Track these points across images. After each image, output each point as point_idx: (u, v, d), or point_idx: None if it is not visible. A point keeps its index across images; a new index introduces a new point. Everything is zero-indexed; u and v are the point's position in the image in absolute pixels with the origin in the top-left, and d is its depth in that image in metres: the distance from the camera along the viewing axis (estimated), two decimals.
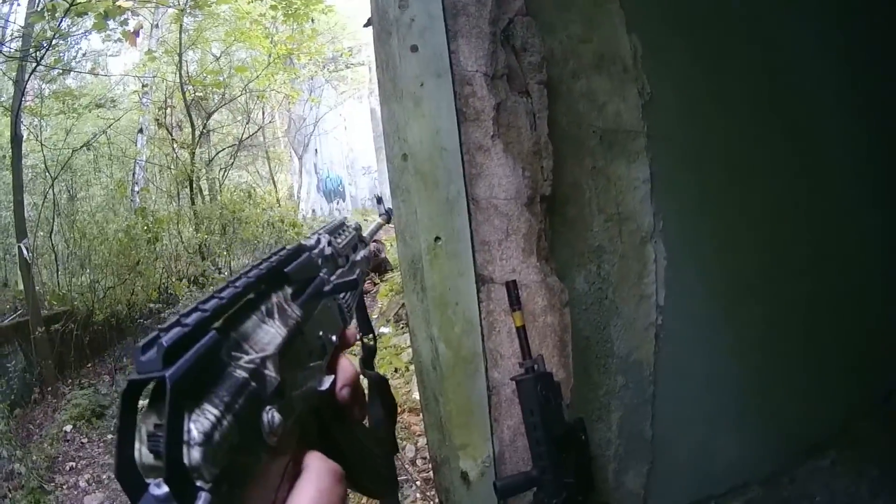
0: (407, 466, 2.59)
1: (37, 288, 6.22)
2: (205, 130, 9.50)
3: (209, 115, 9.54)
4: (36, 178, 7.66)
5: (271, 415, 0.36)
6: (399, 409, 3.23)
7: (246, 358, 0.36)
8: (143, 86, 8.97)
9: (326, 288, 0.57)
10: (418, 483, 2.32)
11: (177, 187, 8.86)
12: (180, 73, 8.42)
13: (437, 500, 1.82)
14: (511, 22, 1.69)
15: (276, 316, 0.44)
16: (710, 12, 2.04)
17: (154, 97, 9.18)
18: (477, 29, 1.63)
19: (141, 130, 9.19)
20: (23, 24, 6.36)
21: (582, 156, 1.86)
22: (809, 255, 2.22)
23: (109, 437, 4.73)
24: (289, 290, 0.49)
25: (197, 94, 9.05)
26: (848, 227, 2.29)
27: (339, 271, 0.67)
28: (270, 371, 0.38)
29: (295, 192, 14.49)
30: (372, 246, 0.85)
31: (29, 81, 6.66)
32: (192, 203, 8.61)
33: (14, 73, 6.34)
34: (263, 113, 11.89)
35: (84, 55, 8.10)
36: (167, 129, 8.83)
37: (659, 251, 1.94)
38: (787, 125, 2.17)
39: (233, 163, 10.53)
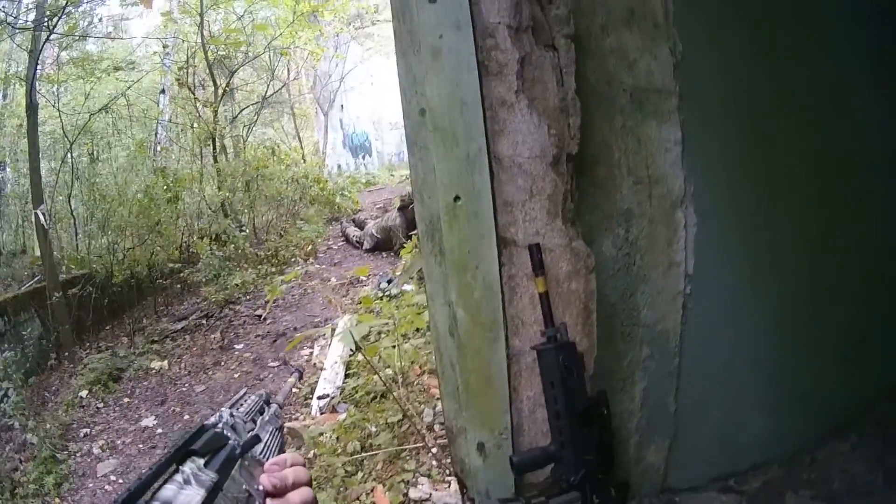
0: (424, 432, 2.55)
1: (55, 253, 6.37)
2: (228, 88, 9.51)
3: (232, 74, 9.53)
4: (55, 144, 7.78)
5: None
6: (419, 371, 3.20)
7: None
8: (164, 47, 8.99)
9: (238, 451, 0.70)
10: (434, 451, 2.27)
11: (199, 146, 8.88)
12: (202, 33, 8.36)
13: (452, 471, 1.77)
14: None
15: (193, 482, 0.57)
16: None
17: (176, 58, 9.19)
18: None
19: (163, 91, 9.30)
20: None
21: (612, 115, 1.76)
22: (848, 228, 2.10)
23: (126, 400, 4.76)
24: (201, 461, 0.62)
25: (220, 52, 8.99)
26: (889, 200, 2.16)
27: (249, 434, 0.78)
28: None
29: (320, 149, 14.49)
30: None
31: (47, 50, 6.65)
32: (215, 161, 8.63)
33: (28, 44, 6.38)
34: (288, 70, 11.85)
35: (100, 20, 8.14)
36: (189, 89, 8.84)
37: (689, 217, 1.84)
38: (830, 85, 2.03)
39: (256, 119, 10.57)
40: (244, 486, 0.66)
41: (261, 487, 0.69)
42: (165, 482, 0.55)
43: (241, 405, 0.87)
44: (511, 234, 1.52)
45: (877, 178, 2.13)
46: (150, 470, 0.54)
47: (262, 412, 0.90)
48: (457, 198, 1.45)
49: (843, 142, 2.07)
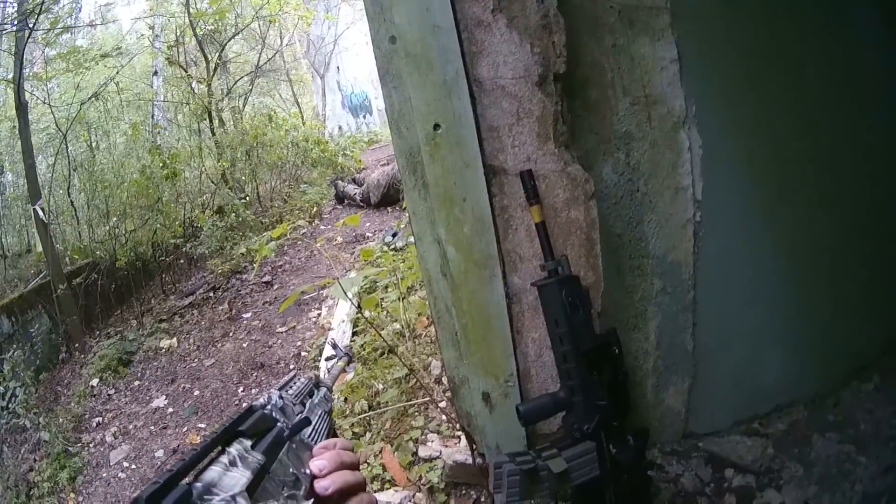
0: (432, 386, 2.44)
1: (58, 246, 6.34)
2: (220, 62, 9.46)
3: (223, 47, 9.45)
4: (52, 140, 7.72)
5: None
6: (427, 322, 3.10)
7: (216, 499, 0.48)
8: (150, 28, 8.96)
9: (286, 434, 0.68)
10: (443, 405, 2.18)
11: (197, 121, 8.82)
12: (188, 10, 8.29)
13: (459, 426, 1.67)
14: None
15: (240, 464, 0.55)
16: None
17: (165, 38, 9.11)
18: None
19: (156, 73, 9.33)
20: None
21: (601, 34, 1.62)
22: (865, 152, 1.94)
23: (136, 383, 4.71)
24: (248, 443, 0.60)
25: (208, 27, 8.93)
26: None
27: (299, 416, 0.75)
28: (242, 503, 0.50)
29: (319, 112, 14.45)
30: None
31: (34, 49, 6.60)
32: (213, 134, 8.59)
33: (13, 46, 6.35)
34: (280, 37, 11.72)
35: (79, 10, 8.07)
36: (181, 67, 8.81)
37: (693, 138, 1.70)
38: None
39: (251, 89, 10.52)
40: (291, 470, 0.64)
41: (308, 471, 0.67)
42: (211, 463, 0.53)
43: (291, 387, 0.85)
44: (500, 162, 1.40)
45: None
46: (196, 450, 0.52)
47: (311, 395, 0.89)
48: (436, 126, 1.33)
49: (852, 55, 1.91)
